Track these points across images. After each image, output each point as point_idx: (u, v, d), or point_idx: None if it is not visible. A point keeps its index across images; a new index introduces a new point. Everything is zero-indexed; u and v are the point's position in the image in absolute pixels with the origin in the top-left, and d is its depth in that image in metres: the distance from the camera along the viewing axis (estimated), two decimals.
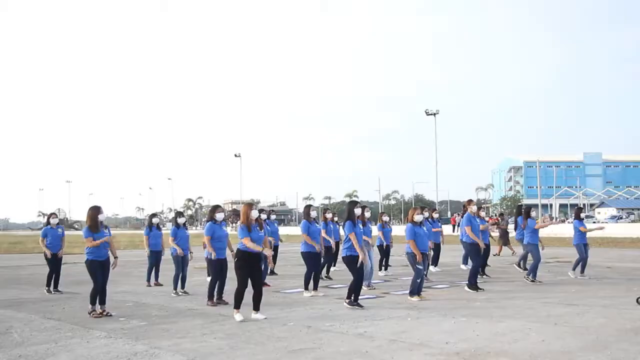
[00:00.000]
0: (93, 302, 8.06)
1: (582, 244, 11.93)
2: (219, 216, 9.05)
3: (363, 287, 10.20)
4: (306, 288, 9.86)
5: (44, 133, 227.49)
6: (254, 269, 7.55)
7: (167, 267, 11.99)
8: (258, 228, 7.61)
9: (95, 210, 8.20)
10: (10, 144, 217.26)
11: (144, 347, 5.99)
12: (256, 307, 7.61)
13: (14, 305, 9.46)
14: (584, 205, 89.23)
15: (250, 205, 7.77)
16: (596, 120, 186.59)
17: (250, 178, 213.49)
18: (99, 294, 8.08)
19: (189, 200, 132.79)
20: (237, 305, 7.48)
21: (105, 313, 8.05)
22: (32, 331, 7.07)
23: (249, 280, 7.54)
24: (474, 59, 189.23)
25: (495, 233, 19.08)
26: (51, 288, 10.99)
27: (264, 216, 11.34)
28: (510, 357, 5.32)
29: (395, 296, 9.68)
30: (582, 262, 11.94)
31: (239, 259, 7.50)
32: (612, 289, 10.19)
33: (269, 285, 11.47)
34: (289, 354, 5.61)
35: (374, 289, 10.54)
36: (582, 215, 12.31)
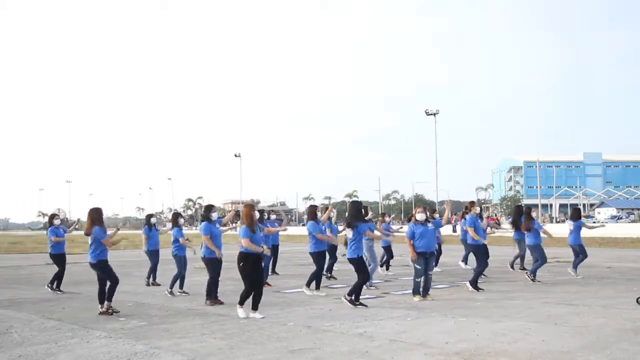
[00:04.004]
0: (109, 299, 8.29)
1: (578, 244, 11.92)
2: (214, 215, 9.14)
3: (368, 287, 10.21)
4: (312, 287, 9.92)
5: (44, 133, 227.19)
6: (258, 270, 7.68)
7: (166, 268, 12.01)
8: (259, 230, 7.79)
9: (100, 213, 8.45)
10: (10, 144, 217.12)
11: (144, 347, 6.00)
12: (255, 307, 7.66)
13: (14, 305, 9.46)
14: (583, 205, 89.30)
15: (252, 206, 7.85)
16: (596, 120, 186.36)
17: (250, 178, 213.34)
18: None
19: (189, 200, 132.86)
20: (242, 302, 7.69)
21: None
22: (32, 331, 7.07)
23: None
24: (474, 59, 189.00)
25: (495, 233, 19.05)
26: (54, 286, 11.01)
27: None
28: (510, 357, 5.32)
29: (395, 296, 9.69)
30: (581, 261, 11.97)
31: (245, 262, 7.57)
32: (612, 289, 10.19)
33: (270, 285, 11.48)
34: (289, 354, 5.61)
35: (377, 288, 10.53)
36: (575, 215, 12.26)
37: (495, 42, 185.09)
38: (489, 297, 9.33)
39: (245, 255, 7.57)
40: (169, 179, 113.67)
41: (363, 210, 9.46)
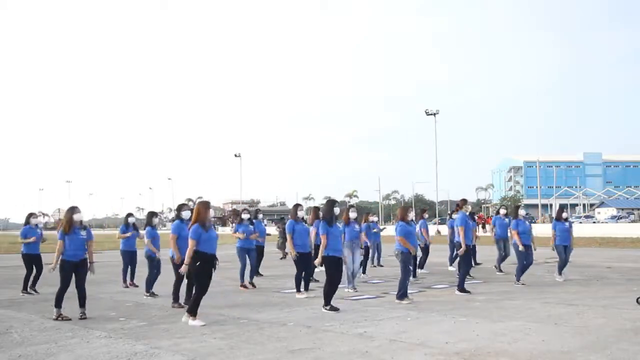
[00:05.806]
0: (58, 305, 7.83)
1: (563, 245, 11.46)
2: (186, 214, 8.72)
3: (348, 290, 10.05)
4: (298, 290, 9.73)
5: (44, 133, 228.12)
6: (210, 273, 7.35)
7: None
8: (212, 228, 7.50)
9: (70, 212, 8.01)
10: (10, 144, 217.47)
11: (144, 347, 5.99)
12: (195, 312, 7.32)
13: (14, 305, 9.46)
14: (584, 205, 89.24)
15: (206, 203, 7.53)
16: (596, 120, 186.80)
17: (250, 178, 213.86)
18: (63, 295, 7.90)
19: (189, 200, 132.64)
20: (195, 312, 7.28)
21: (83, 316, 7.85)
22: (32, 331, 7.07)
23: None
24: (474, 59, 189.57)
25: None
26: (29, 289, 10.86)
27: (245, 216, 11.33)
28: (510, 357, 5.32)
29: (395, 296, 9.65)
30: (562, 263, 11.55)
31: (201, 262, 7.19)
32: (612, 289, 10.19)
33: (254, 287, 11.19)
34: (289, 354, 5.60)
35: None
36: (565, 215, 11.81)
37: (495, 42, 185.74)
38: (489, 297, 9.32)
39: (204, 255, 7.20)
40: (169, 179, 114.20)
41: (337, 208, 9.12)
